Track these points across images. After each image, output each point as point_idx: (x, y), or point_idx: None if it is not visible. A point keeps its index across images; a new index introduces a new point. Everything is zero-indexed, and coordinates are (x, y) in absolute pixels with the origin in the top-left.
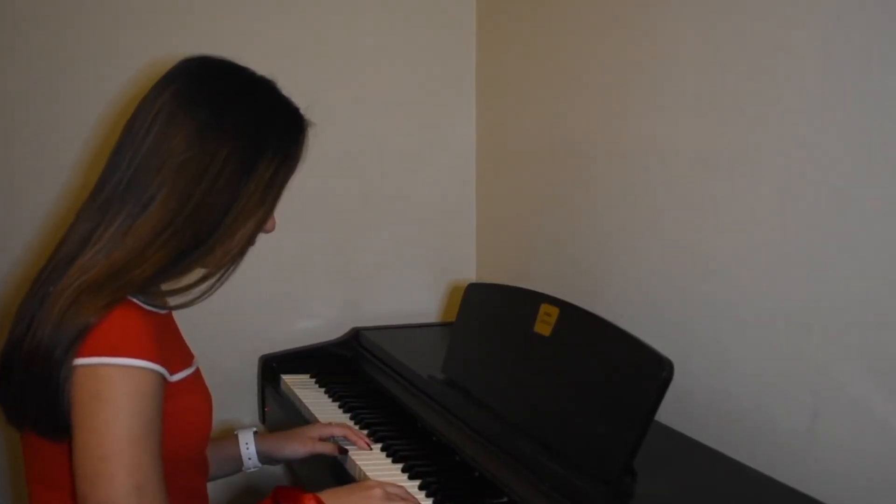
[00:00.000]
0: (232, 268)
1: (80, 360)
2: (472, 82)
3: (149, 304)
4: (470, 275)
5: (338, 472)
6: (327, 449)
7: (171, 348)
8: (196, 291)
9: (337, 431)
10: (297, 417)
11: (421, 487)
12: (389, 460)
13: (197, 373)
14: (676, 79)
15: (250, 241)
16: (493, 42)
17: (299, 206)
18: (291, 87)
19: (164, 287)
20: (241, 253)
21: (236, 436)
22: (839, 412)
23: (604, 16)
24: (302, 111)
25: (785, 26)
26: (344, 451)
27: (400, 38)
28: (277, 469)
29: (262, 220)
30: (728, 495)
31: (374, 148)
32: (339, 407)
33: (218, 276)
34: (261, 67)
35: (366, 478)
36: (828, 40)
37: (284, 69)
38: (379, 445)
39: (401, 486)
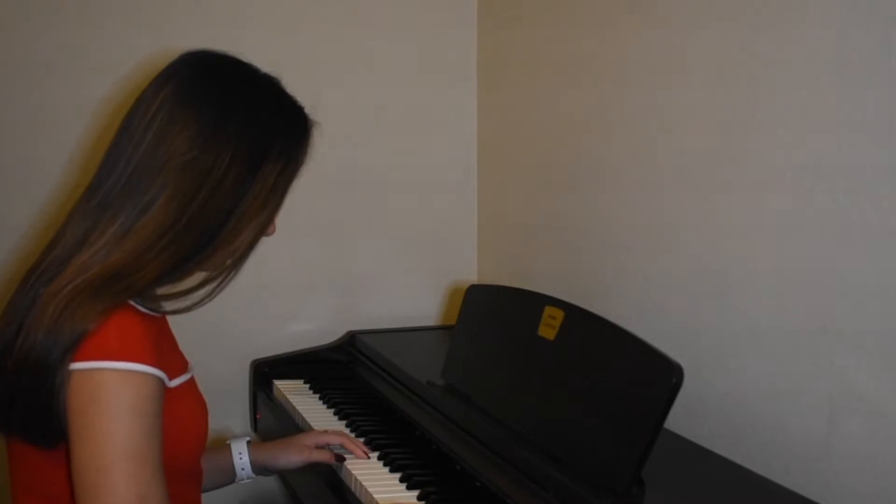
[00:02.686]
0: (233, 273)
1: (76, 365)
2: (473, 86)
3: (145, 308)
4: (471, 276)
5: (333, 482)
6: (324, 457)
7: (168, 352)
8: (195, 297)
9: (333, 439)
10: (290, 425)
11: (420, 498)
12: (387, 469)
13: (192, 379)
14: (689, 73)
15: (252, 245)
16: (495, 43)
17: (292, 204)
18: (289, 87)
19: (161, 291)
20: (244, 257)
21: (229, 446)
22: (856, 419)
23: (610, 8)
24: (307, 111)
25: (794, 23)
26: (341, 459)
27: (401, 40)
28: (271, 480)
29: (266, 224)
30: None
31: (373, 146)
32: (335, 414)
33: (218, 281)
34: (260, 66)
35: (362, 488)
36: (843, 31)
37: (282, 66)
38: (376, 454)
39: None
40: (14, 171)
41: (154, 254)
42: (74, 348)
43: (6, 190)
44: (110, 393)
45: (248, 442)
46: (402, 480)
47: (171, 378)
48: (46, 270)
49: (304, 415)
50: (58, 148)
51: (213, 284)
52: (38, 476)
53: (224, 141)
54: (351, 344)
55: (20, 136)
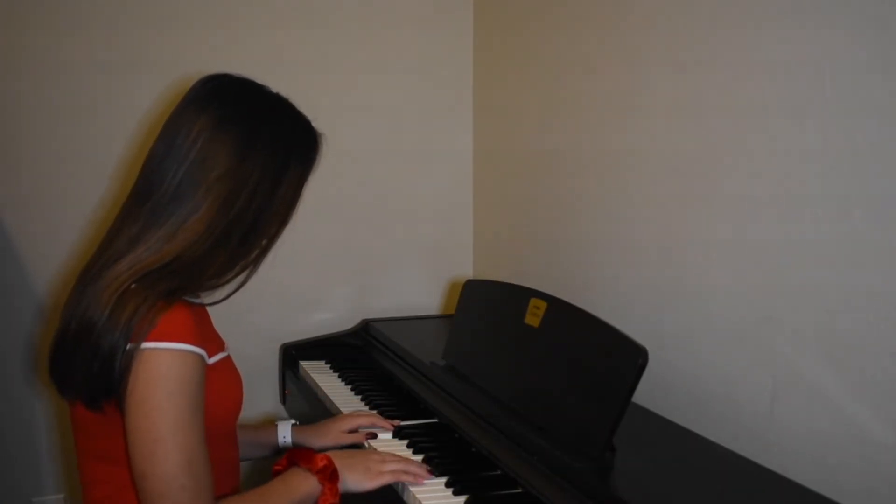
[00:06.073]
0: (260, 263)
1: (137, 345)
2: (469, 100)
3: (190, 298)
4: (467, 272)
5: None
6: (357, 439)
7: (208, 335)
8: (230, 287)
9: (364, 421)
10: (313, 400)
11: (424, 461)
12: (396, 437)
13: (229, 357)
14: (648, 98)
15: (277, 236)
16: (489, 64)
17: (315, 211)
18: (308, 108)
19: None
20: (269, 248)
21: (276, 426)
22: (796, 395)
23: (584, 44)
24: (313, 124)
25: (742, 46)
26: (373, 437)
27: (406, 63)
28: None
29: (288, 218)
30: (697, 468)
31: (382, 160)
32: (352, 390)
33: (249, 271)
34: (284, 85)
35: (372, 448)
36: (783, 55)
37: (306, 89)
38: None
39: (397, 456)
40: (67, 182)
41: (202, 252)
42: (133, 329)
43: (62, 199)
44: (163, 370)
45: (294, 424)
46: (408, 446)
47: (210, 356)
48: (106, 263)
49: (326, 391)
50: (104, 163)
51: (245, 275)
52: (96, 440)
53: (256, 156)
54: (365, 330)
55: (73, 150)
